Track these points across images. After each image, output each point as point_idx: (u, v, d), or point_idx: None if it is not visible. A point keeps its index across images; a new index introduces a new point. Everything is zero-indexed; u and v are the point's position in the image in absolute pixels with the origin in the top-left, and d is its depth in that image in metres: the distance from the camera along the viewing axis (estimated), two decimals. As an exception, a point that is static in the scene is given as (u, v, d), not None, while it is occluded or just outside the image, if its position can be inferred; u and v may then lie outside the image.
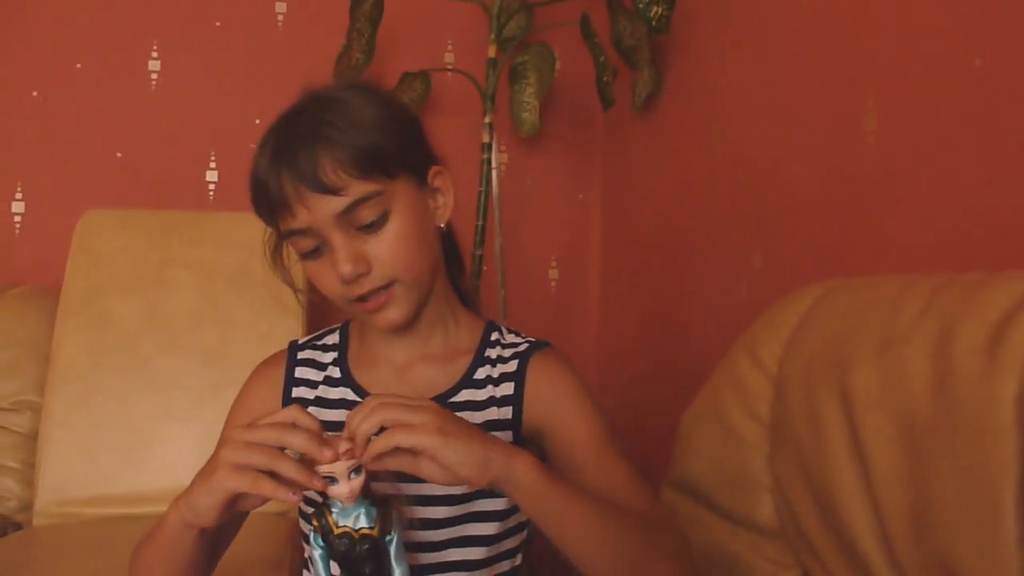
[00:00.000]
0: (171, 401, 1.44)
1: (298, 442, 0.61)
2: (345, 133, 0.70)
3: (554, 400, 0.76)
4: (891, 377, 0.66)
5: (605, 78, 1.59)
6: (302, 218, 0.70)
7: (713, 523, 0.86)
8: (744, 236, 1.35)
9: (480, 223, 1.62)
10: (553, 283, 2.04)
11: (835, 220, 1.11)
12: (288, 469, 0.60)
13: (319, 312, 1.56)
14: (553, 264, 2.04)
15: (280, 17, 1.90)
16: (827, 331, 0.79)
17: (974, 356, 0.60)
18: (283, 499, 0.61)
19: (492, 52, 1.63)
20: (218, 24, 1.87)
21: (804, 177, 1.19)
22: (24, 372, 1.54)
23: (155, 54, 1.86)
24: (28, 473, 1.47)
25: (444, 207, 0.78)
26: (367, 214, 0.70)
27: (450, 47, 1.93)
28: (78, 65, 1.83)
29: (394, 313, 0.74)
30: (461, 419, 0.65)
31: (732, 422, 0.87)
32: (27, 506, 1.45)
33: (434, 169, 0.77)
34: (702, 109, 1.51)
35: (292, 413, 0.64)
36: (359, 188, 0.69)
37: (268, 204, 0.72)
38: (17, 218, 1.81)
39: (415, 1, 1.75)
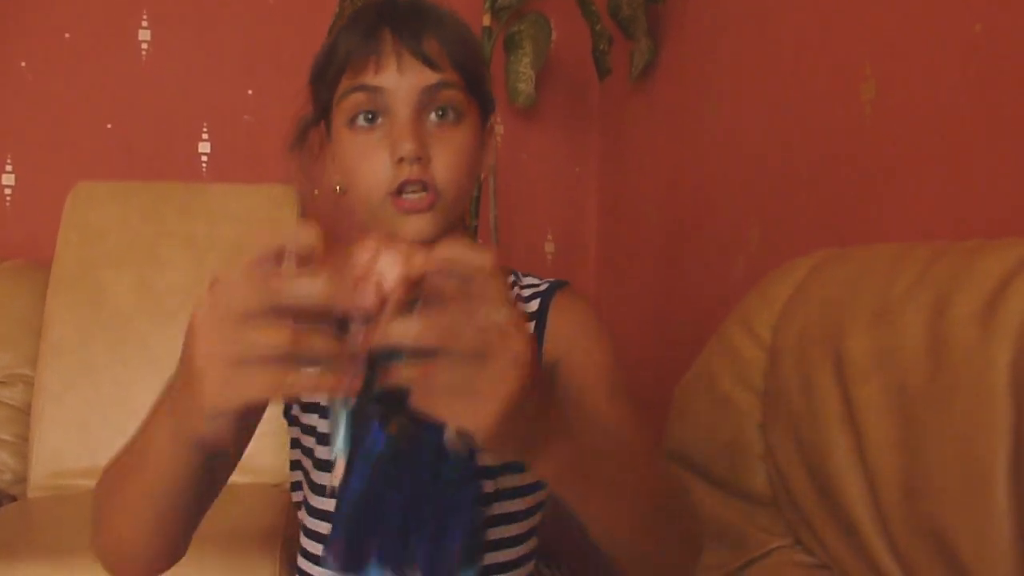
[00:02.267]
0: (163, 375, 1.42)
1: (312, 288, 0.42)
2: (452, 23, 0.70)
3: (571, 339, 0.73)
4: (885, 345, 0.66)
5: (601, 47, 1.57)
6: (387, 77, 0.66)
7: (706, 492, 0.86)
8: (742, 210, 1.34)
9: (475, 195, 1.61)
10: (549, 256, 2.03)
11: (833, 192, 1.10)
12: (318, 345, 0.42)
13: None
14: (549, 238, 2.03)
15: (272, -12, 1.87)
16: (821, 300, 0.78)
17: (968, 323, 0.59)
18: (330, 389, 0.43)
19: (487, 21, 1.61)
20: (208, -4, 1.85)
21: (801, 148, 1.18)
22: (17, 346, 1.53)
23: (145, 23, 1.84)
24: (22, 446, 1.47)
25: (489, 156, 0.76)
26: (450, 101, 0.67)
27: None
28: (67, 35, 1.81)
29: (427, 224, 0.67)
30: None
31: (725, 391, 0.86)
32: (22, 479, 1.45)
33: (494, 116, 0.76)
34: (699, 80, 1.50)
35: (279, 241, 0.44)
36: (453, 75, 0.68)
37: (345, 56, 0.68)
38: (8, 191, 1.79)
39: (409, -30, 1.72)
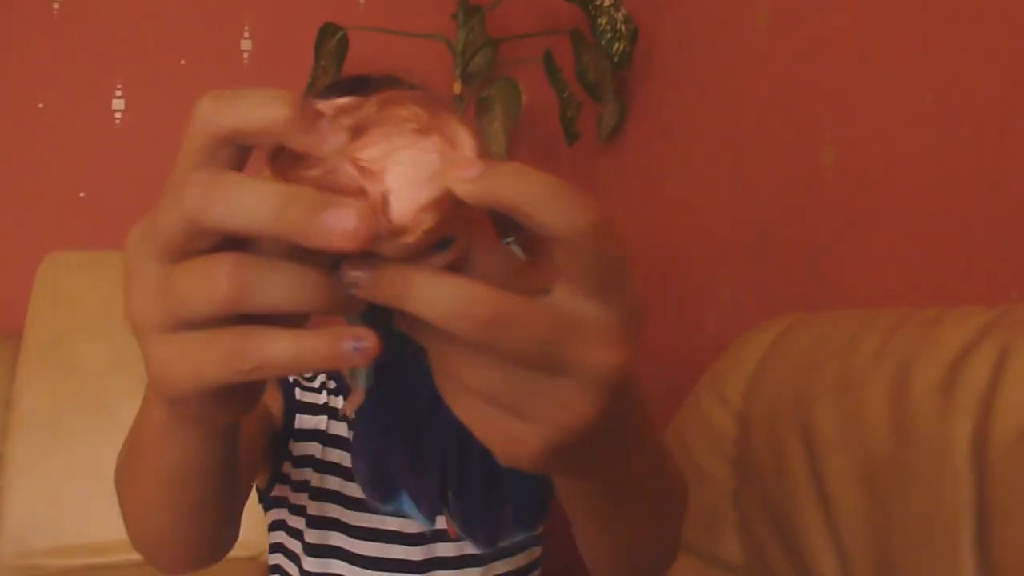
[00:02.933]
0: (137, 446, 1.41)
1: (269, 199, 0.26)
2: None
3: None
4: (851, 417, 0.67)
5: (569, 113, 1.60)
6: None
7: (681, 561, 0.86)
8: (712, 269, 1.36)
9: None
10: (524, 314, 2.03)
11: (798, 253, 1.12)
12: (284, 289, 0.27)
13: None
14: (524, 295, 2.04)
15: (246, 55, 1.90)
16: (789, 367, 0.79)
17: (929, 397, 0.61)
18: (318, 363, 0.27)
19: (457, 88, 1.64)
20: (183, 62, 1.87)
21: (766, 209, 1.20)
22: (-15, 419, 1.51)
23: (119, 93, 1.85)
24: (-10, 523, 1.44)
25: None
26: None
27: (416, 83, 1.94)
28: (40, 104, 1.82)
29: None
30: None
31: (698, 459, 0.87)
32: (-12, 558, 1.41)
33: None
34: (666, 142, 1.53)
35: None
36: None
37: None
38: (-22, 260, 1.78)
39: (379, 38, 1.76)
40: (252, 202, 0.26)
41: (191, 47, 1.85)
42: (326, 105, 0.28)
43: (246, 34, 1.89)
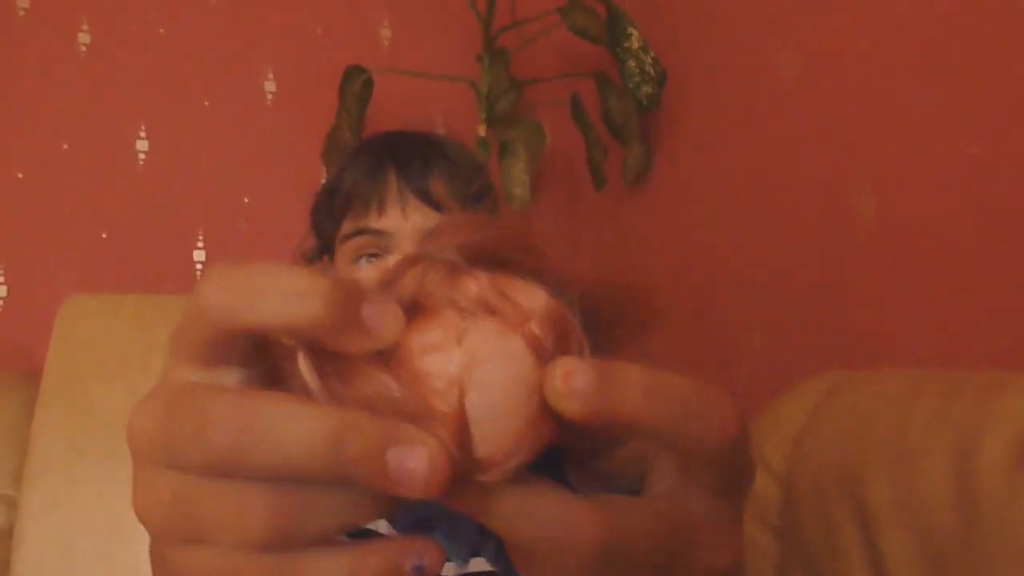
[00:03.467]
0: (153, 494, 1.38)
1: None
2: (459, 158, 0.69)
3: None
4: (909, 491, 0.63)
5: (596, 157, 1.58)
6: (390, 220, 0.65)
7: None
8: (743, 315, 1.32)
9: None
10: (547, 357, 2.00)
11: (834, 302, 1.09)
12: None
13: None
14: (546, 338, 2.01)
15: (269, 96, 1.90)
16: (836, 434, 0.76)
17: (998, 475, 0.57)
18: None
19: (482, 131, 1.63)
20: (207, 103, 1.87)
21: (801, 258, 1.17)
22: (1, 463, 1.49)
23: (143, 134, 1.85)
24: (2, 572, 1.41)
25: None
26: None
27: (440, 126, 1.94)
28: (65, 146, 1.82)
29: None
30: None
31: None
32: (0, 608, 1.38)
33: None
34: (695, 187, 1.50)
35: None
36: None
37: (348, 196, 0.66)
38: (-1, 302, 1.77)
39: (404, 80, 1.76)
40: (297, 441, 0.20)
41: (215, 88, 1.86)
42: (369, 278, 0.23)
43: (270, 76, 1.89)
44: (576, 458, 0.27)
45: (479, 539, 0.62)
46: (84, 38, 1.82)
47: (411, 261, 0.23)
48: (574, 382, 0.21)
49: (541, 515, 0.22)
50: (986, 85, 0.86)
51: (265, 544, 0.21)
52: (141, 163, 1.85)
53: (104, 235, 1.81)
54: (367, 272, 0.27)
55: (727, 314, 1.37)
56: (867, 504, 0.67)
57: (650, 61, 1.51)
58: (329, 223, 0.71)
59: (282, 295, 0.21)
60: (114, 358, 1.48)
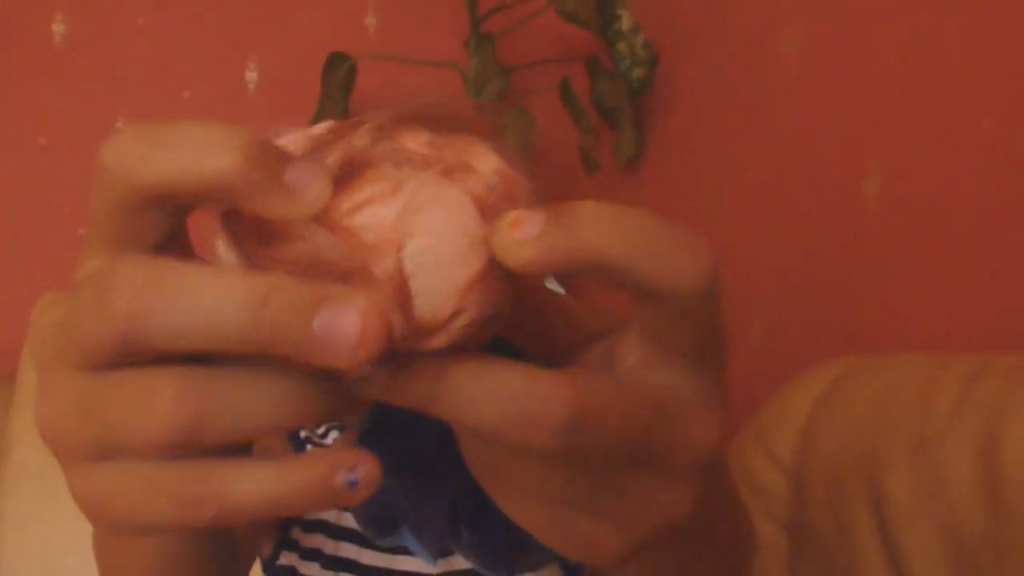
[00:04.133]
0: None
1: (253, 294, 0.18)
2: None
3: None
4: (930, 483, 0.59)
5: (587, 142, 1.54)
6: None
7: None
8: (742, 303, 1.29)
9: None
10: (540, 350, 1.97)
11: (837, 287, 1.05)
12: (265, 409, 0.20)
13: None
14: (539, 330, 1.97)
15: (251, 86, 1.85)
16: (848, 422, 0.72)
17: (1027, 463, 0.53)
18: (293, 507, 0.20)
19: (470, 117, 1.59)
20: (186, 95, 1.82)
21: (802, 242, 1.13)
22: (-23, 470, 1.44)
23: (121, 126, 1.80)
24: (-21, 583, 1.36)
25: None
26: None
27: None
28: (40, 140, 1.77)
29: None
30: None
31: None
32: (-22, 620, 1.34)
33: None
34: (690, 171, 1.47)
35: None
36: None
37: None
38: (-27, 301, 1.72)
39: (389, 67, 1.71)
40: (210, 308, 0.18)
41: (194, 79, 1.80)
42: (295, 138, 0.20)
43: (251, 65, 1.84)
44: (541, 362, 0.23)
45: (450, 536, 0.59)
46: (59, 28, 1.77)
47: (341, 126, 0.20)
48: (523, 228, 0.19)
49: (498, 386, 0.19)
50: (996, 57, 0.82)
51: (175, 436, 0.18)
52: (119, 157, 1.80)
53: (82, 231, 1.76)
54: (288, 136, 0.22)
55: (725, 303, 1.34)
56: (884, 495, 0.63)
57: (641, 43, 1.46)
58: None
59: (192, 146, 0.18)
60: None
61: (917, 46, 0.92)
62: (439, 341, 0.18)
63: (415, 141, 0.20)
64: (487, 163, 0.20)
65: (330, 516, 0.72)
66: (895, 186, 0.95)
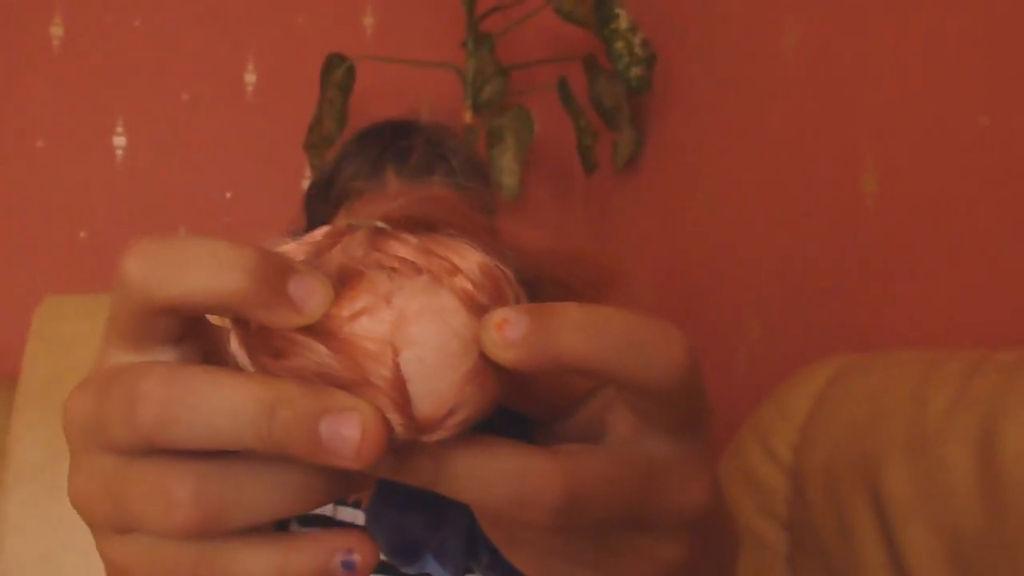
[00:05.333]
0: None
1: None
2: (462, 157, 0.66)
3: None
4: (929, 480, 0.59)
5: (586, 142, 1.54)
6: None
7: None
8: (741, 302, 1.28)
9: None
10: (540, 350, 1.96)
11: (836, 285, 1.05)
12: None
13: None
14: (539, 330, 1.97)
15: (249, 87, 1.85)
16: (847, 420, 0.72)
17: (1023, 461, 0.53)
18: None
19: (468, 118, 1.59)
20: (185, 97, 1.82)
21: (800, 241, 1.13)
22: (-21, 472, 1.44)
23: (120, 129, 1.80)
24: (-19, 584, 1.36)
25: None
26: None
27: (426, 113, 1.89)
28: (39, 143, 1.77)
29: None
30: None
31: (746, 520, 0.79)
32: (-20, 622, 1.34)
33: None
34: (687, 169, 1.46)
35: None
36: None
37: (345, 187, 0.65)
38: (-26, 304, 1.72)
39: (387, 68, 1.71)
40: (226, 417, 0.20)
41: (193, 81, 1.80)
42: (296, 247, 0.22)
43: (250, 67, 1.84)
44: (539, 423, 0.26)
45: (470, 558, 0.59)
46: (57, 31, 1.77)
47: (336, 231, 0.22)
48: (508, 330, 0.20)
49: (495, 470, 0.21)
50: (995, 55, 0.82)
51: (192, 529, 0.21)
52: (119, 159, 1.80)
53: (82, 234, 1.76)
54: (290, 246, 0.23)
55: (724, 301, 1.33)
56: (883, 493, 0.63)
57: (639, 42, 1.46)
58: (322, 211, 0.69)
59: (204, 267, 0.20)
60: (91, 359, 1.43)
61: (915, 45, 0.92)
62: (439, 435, 0.20)
63: (404, 247, 0.21)
64: (471, 262, 0.21)
65: (327, 511, 0.72)
66: (893, 184, 0.95)
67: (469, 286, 0.21)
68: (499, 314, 0.20)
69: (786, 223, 1.16)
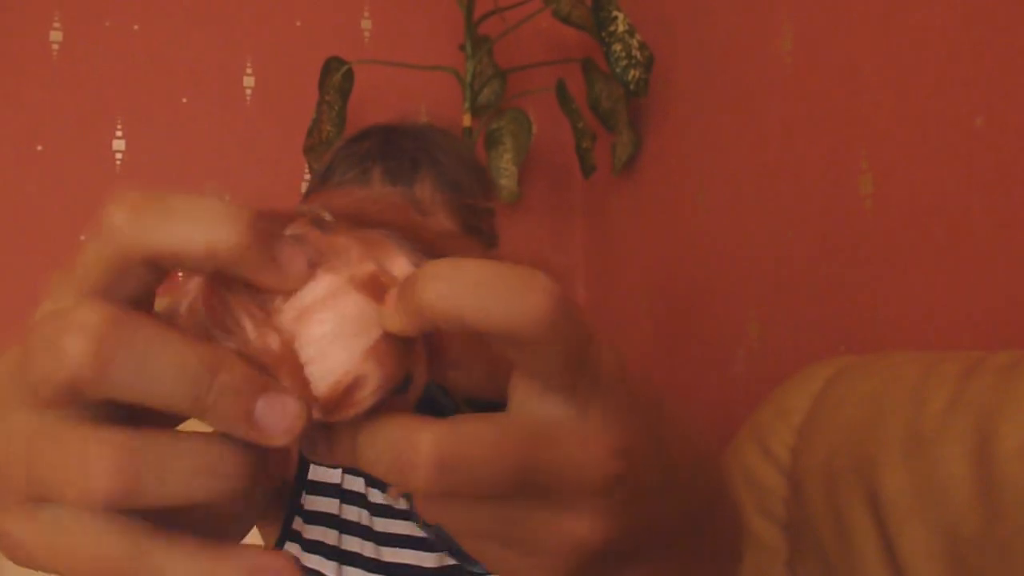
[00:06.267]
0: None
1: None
2: (451, 157, 0.65)
3: None
4: (925, 481, 0.60)
5: (584, 144, 1.54)
6: None
7: (730, 635, 0.78)
8: (738, 303, 1.29)
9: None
10: (539, 352, 1.97)
11: (834, 286, 1.05)
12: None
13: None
14: (538, 332, 1.97)
15: (248, 91, 1.86)
16: (845, 421, 0.72)
17: (1019, 460, 0.53)
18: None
19: (467, 120, 1.59)
20: (185, 100, 1.83)
21: (798, 242, 1.14)
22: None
23: (119, 133, 1.81)
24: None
25: None
26: None
27: (423, 116, 1.89)
28: (39, 147, 1.77)
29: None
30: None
31: (745, 520, 0.79)
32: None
33: (496, 252, 0.71)
34: (685, 172, 1.47)
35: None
36: (444, 221, 0.63)
37: (335, 189, 0.65)
38: (-26, 309, 1.73)
39: (386, 71, 1.72)
40: (169, 368, 0.20)
41: (192, 85, 1.81)
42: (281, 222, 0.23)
43: (248, 70, 1.84)
44: (472, 398, 0.27)
45: None
46: (56, 36, 1.77)
47: (286, 215, 0.24)
48: (389, 301, 0.22)
49: (381, 439, 0.22)
50: (990, 54, 0.82)
51: (109, 499, 0.20)
52: (118, 163, 1.80)
53: (82, 238, 1.76)
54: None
55: (722, 303, 1.34)
56: (881, 494, 0.63)
57: (636, 45, 1.47)
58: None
59: (199, 220, 0.20)
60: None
61: (911, 47, 0.92)
62: (350, 412, 0.22)
63: (326, 240, 0.23)
64: (387, 253, 0.23)
65: (332, 508, 0.72)
66: (889, 186, 0.95)
67: (368, 274, 0.22)
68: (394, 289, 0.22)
69: (783, 224, 1.17)
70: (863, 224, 0.99)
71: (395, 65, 1.67)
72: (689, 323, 1.45)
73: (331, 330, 0.22)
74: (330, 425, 0.23)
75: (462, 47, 1.65)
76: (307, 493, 0.73)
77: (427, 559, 0.67)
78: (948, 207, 0.87)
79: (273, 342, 0.21)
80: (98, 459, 0.20)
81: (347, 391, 0.22)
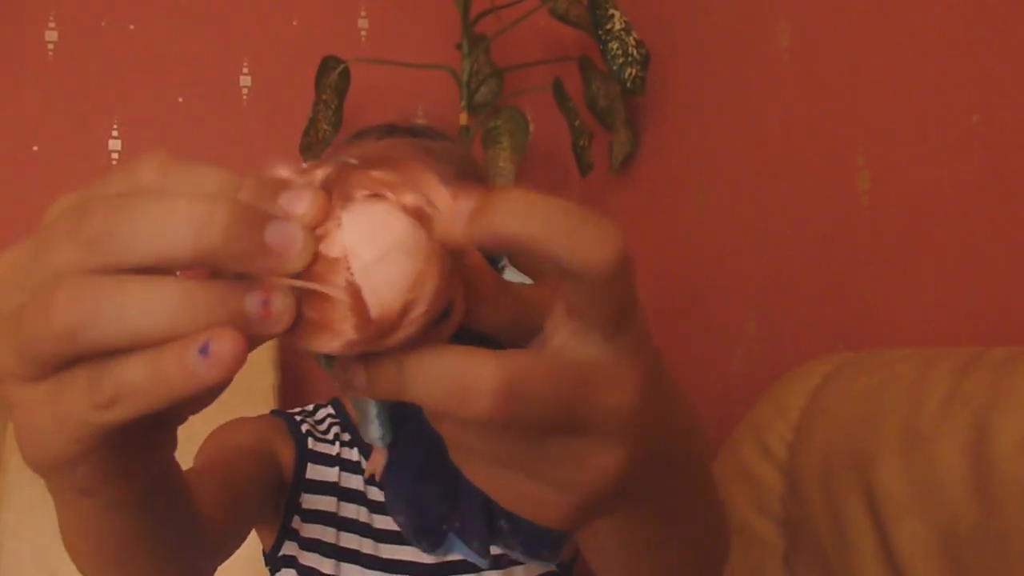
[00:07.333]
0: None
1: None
2: (452, 164, 0.66)
3: None
4: (922, 477, 0.60)
5: (581, 143, 1.54)
6: None
7: (728, 632, 0.78)
8: (736, 301, 1.29)
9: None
10: (537, 350, 1.97)
11: (832, 283, 1.05)
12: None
13: (291, 396, 1.48)
14: (536, 330, 1.97)
15: (245, 91, 1.85)
16: (842, 418, 0.72)
17: (1015, 456, 0.54)
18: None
19: (464, 119, 1.59)
20: (181, 100, 1.82)
21: (796, 239, 1.14)
22: (-23, 477, 1.44)
23: (115, 133, 1.80)
24: (-20, 591, 1.36)
25: None
26: None
27: (420, 115, 1.89)
28: (35, 147, 1.77)
29: None
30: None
31: (743, 517, 0.79)
32: (-21, 627, 1.34)
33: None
34: (682, 170, 1.47)
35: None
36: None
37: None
38: (-29, 309, 1.72)
39: (382, 70, 1.72)
40: (164, 218, 0.20)
41: (189, 84, 1.80)
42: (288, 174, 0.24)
43: (245, 70, 1.84)
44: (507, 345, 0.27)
45: (491, 530, 0.61)
46: (51, 36, 1.77)
47: (311, 167, 0.24)
48: (455, 216, 0.22)
49: (440, 366, 0.22)
50: (986, 52, 0.82)
51: (68, 333, 0.21)
52: (114, 163, 1.80)
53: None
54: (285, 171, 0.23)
55: (720, 300, 1.34)
56: (878, 490, 0.63)
57: (633, 42, 1.47)
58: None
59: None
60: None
61: (908, 45, 0.92)
62: (401, 335, 0.22)
63: (363, 178, 0.24)
64: (423, 178, 0.23)
65: (331, 507, 0.72)
66: (886, 182, 0.95)
67: (415, 199, 0.23)
68: (451, 205, 0.23)
69: (781, 221, 1.17)
70: (860, 221, 0.99)
71: (392, 64, 1.67)
72: (687, 321, 1.45)
73: (384, 254, 0.22)
74: (367, 358, 0.23)
75: (459, 46, 1.65)
76: (305, 492, 0.73)
77: (425, 555, 0.67)
78: (945, 204, 0.87)
79: (329, 266, 0.21)
80: (56, 293, 0.21)
81: (400, 313, 0.22)
